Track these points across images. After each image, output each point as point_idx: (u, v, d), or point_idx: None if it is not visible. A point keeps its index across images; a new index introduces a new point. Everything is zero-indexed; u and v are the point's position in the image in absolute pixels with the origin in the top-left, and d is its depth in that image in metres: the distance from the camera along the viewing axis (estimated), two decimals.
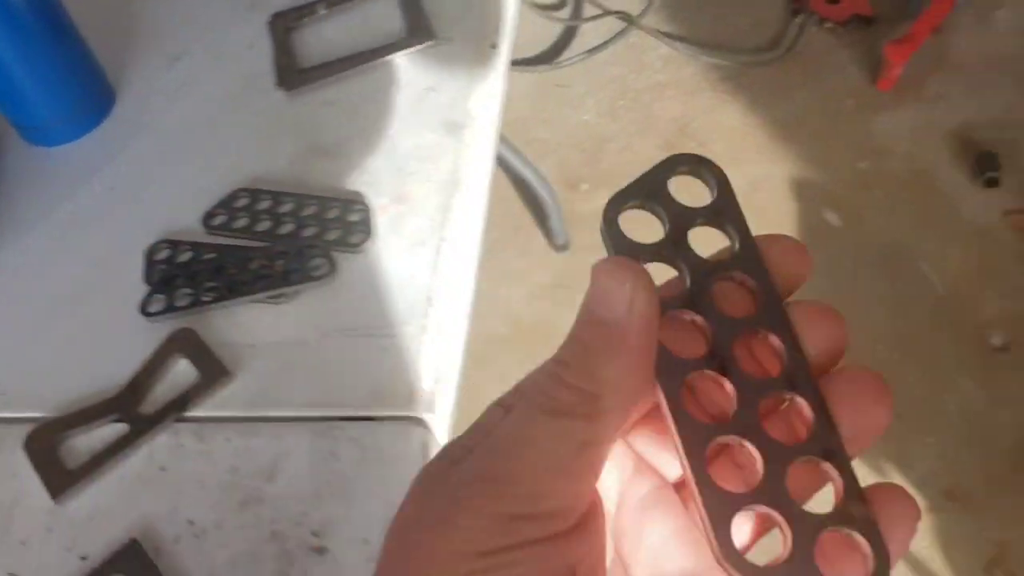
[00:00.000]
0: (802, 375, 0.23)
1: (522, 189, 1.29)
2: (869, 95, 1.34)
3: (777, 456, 0.22)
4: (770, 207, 1.25)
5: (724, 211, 0.25)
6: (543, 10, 1.49)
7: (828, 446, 0.23)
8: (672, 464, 0.26)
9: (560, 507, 0.22)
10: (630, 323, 0.22)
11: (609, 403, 0.22)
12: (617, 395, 0.23)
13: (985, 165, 1.22)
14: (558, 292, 1.23)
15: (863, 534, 0.22)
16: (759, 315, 0.24)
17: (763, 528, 0.24)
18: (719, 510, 0.22)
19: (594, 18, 1.45)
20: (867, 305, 1.14)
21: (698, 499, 0.22)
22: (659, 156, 0.24)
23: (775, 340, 0.23)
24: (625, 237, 0.24)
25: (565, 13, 1.49)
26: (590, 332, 0.23)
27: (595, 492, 0.24)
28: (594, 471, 0.23)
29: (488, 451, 0.22)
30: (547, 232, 1.26)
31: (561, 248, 1.26)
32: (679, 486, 0.25)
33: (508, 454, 0.22)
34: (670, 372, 0.23)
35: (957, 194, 1.24)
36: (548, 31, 1.47)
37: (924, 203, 1.23)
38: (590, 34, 1.45)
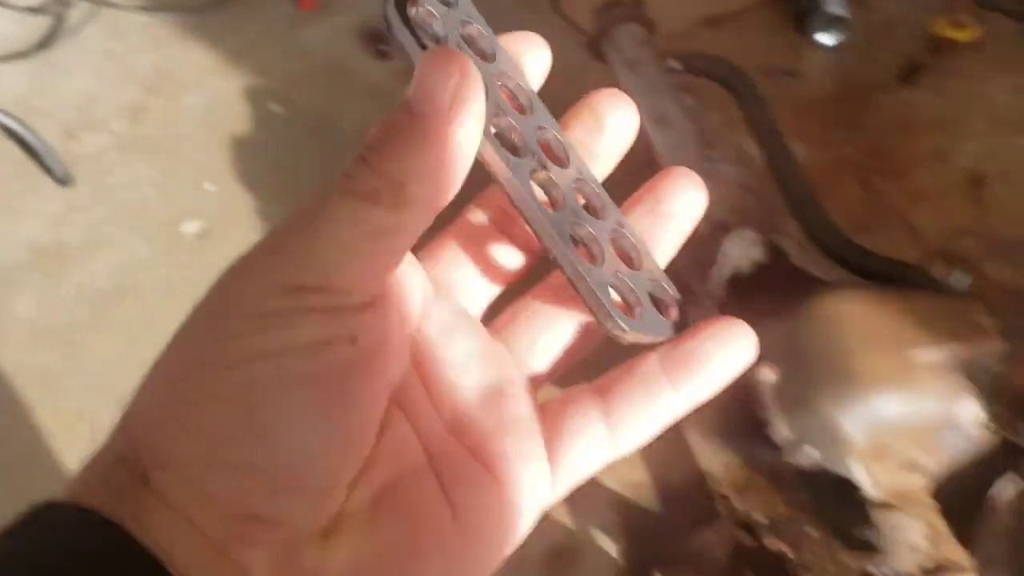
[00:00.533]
0: (579, 162, 0.26)
1: (26, 148, 1.55)
2: (298, 16, 1.71)
3: (605, 234, 0.25)
4: (237, 112, 1.57)
5: (469, 14, 0.25)
6: (33, 12, 1.75)
7: (619, 218, 0.26)
8: (471, 292, 0.28)
9: (348, 286, 0.22)
10: (453, 115, 0.22)
11: (415, 193, 0.22)
12: (426, 188, 0.22)
13: (376, 41, 1.61)
14: (69, 216, 1.50)
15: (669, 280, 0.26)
16: (534, 113, 0.25)
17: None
18: (597, 285, 0.24)
19: (71, 5, 1.74)
20: (310, 171, 1.48)
21: (580, 276, 0.24)
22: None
23: (555, 135, 0.25)
24: (426, 32, 0.23)
25: (56, 9, 1.77)
26: (407, 121, 0.22)
27: (395, 286, 0.25)
28: (391, 259, 0.23)
29: (284, 227, 0.23)
30: (49, 172, 1.53)
31: (63, 182, 1.53)
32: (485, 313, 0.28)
33: (301, 229, 0.22)
34: (514, 170, 0.24)
35: (364, 69, 1.62)
36: (38, 25, 1.74)
37: (343, 83, 1.61)
38: (75, 19, 1.73)
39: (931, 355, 0.83)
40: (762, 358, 0.90)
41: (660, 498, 1.14)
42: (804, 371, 0.82)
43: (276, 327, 0.22)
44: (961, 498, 0.91)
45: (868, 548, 0.77)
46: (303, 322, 0.22)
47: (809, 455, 0.81)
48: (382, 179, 0.22)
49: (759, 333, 0.92)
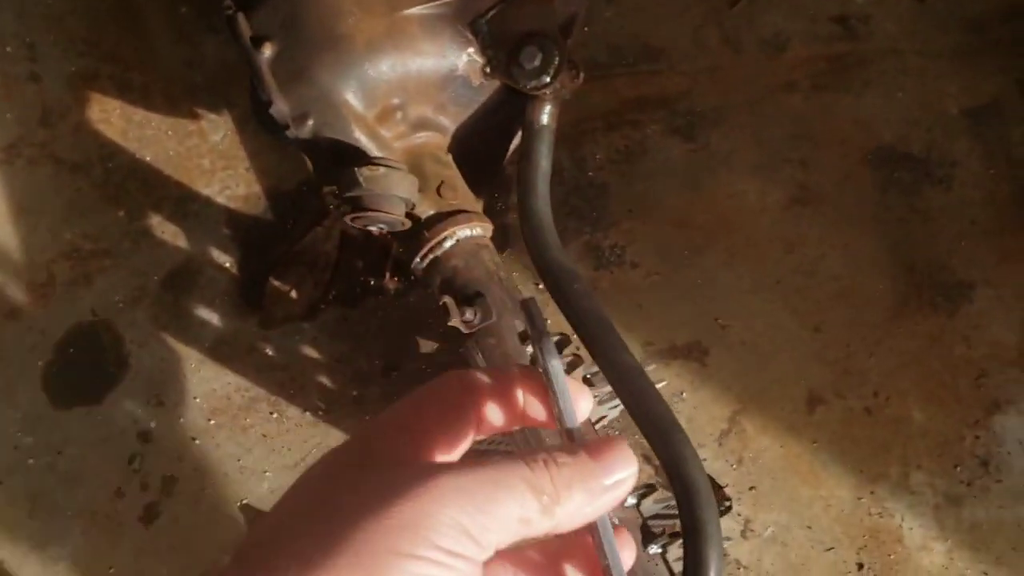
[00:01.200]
0: None
1: None
2: None
3: None
4: None
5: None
6: None
7: None
8: None
9: (489, 548, 0.30)
10: (618, 492, 0.32)
11: (560, 513, 0.31)
12: (568, 513, 0.31)
13: None
14: None
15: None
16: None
17: None
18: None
19: None
20: None
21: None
22: None
23: None
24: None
25: None
26: (591, 467, 0.32)
27: None
28: (511, 543, 0.31)
29: (468, 474, 0.29)
30: None
31: None
32: None
33: (485, 485, 0.29)
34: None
35: None
36: None
37: None
38: None
39: (423, 11, 0.83)
40: (261, 35, 0.86)
41: (272, 206, 1.15)
42: (300, 42, 0.81)
43: (438, 565, 0.27)
44: (485, 147, 0.94)
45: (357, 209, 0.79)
46: (455, 571, 0.28)
47: (310, 127, 0.82)
48: (553, 487, 0.29)
49: (256, 10, 0.88)
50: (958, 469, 0.99)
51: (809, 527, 0.98)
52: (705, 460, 1.01)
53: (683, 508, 0.63)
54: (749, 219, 1.11)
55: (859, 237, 1.09)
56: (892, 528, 0.98)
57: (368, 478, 0.29)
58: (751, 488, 1.00)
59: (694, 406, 1.03)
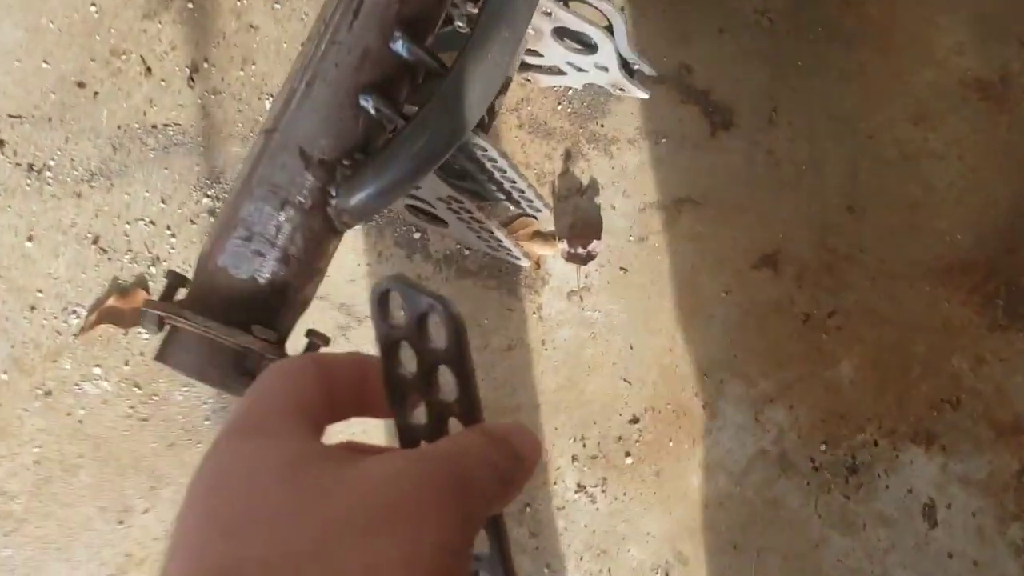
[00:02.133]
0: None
1: None
2: None
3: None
4: None
5: (457, 359, 0.27)
6: None
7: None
8: None
9: None
10: (525, 472, 0.27)
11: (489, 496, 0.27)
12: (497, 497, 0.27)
13: None
14: None
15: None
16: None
17: None
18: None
19: None
20: None
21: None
22: None
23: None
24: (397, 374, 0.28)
25: None
26: (517, 463, 0.27)
27: None
28: None
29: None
30: None
31: None
32: None
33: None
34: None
35: None
36: None
37: None
38: None
39: None
40: None
41: None
42: None
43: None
44: None
45: None
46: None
47: None
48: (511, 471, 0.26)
49: None
50: (823, 447, 0.75)
51: (632, 347, 0.77)
52: (614, 207, 0.79)
53: None
54: (918, 56, 0.82)
55: (996, 177, 0.80)
56: (694, 409, 0.76)
57: (330, 476, 0.23)
58: (623, 269, 0.78)
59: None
